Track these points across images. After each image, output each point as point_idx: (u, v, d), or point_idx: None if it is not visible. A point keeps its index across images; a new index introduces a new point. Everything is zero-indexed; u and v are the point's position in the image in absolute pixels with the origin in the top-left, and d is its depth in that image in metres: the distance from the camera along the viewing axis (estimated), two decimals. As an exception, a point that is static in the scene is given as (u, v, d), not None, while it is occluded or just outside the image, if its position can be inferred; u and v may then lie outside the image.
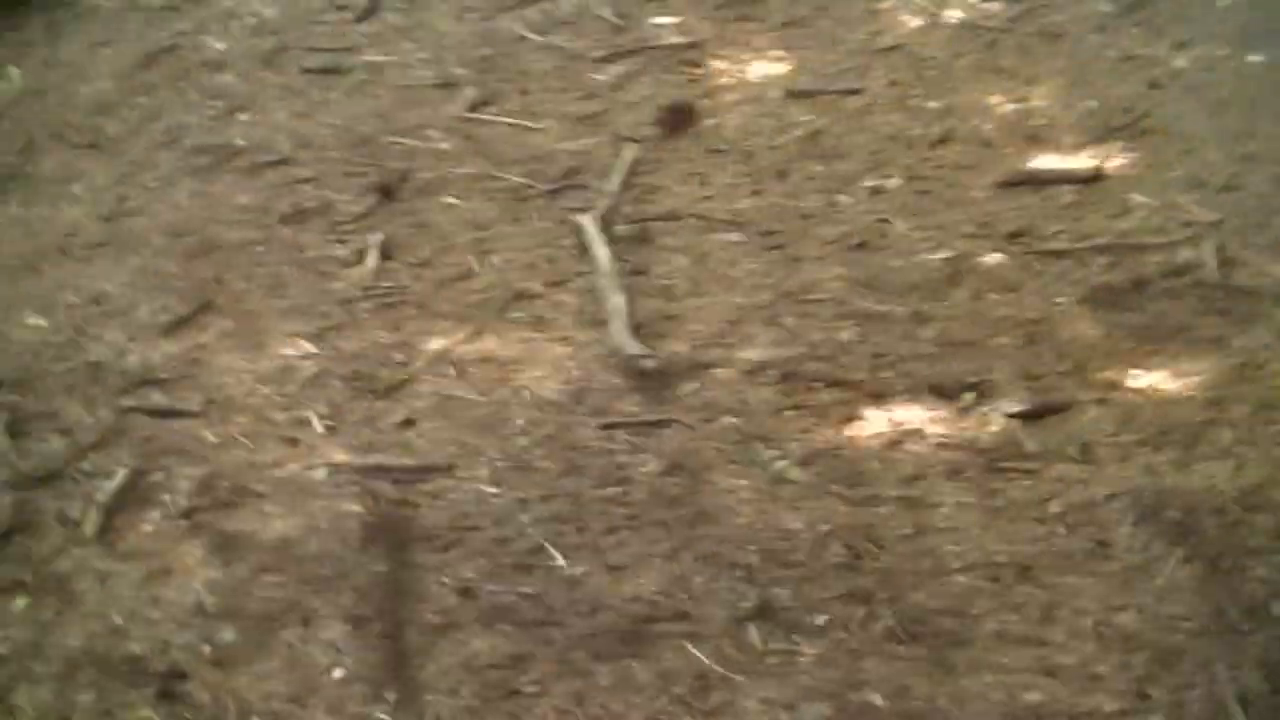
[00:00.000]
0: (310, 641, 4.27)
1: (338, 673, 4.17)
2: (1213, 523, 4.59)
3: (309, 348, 5.64)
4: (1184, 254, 5.96)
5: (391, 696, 4.08)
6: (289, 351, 5.62)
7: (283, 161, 7.03)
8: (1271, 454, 4.87)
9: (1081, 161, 6.64)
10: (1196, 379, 5.27)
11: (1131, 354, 5.42)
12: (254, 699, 4.08)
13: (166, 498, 4.85)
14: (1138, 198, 6.32)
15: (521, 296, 5.88)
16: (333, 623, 4.32)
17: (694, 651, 4.16)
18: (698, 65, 7.73)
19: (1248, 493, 4.71)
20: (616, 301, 5.64)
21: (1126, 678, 4.07)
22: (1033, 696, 4.02)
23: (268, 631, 4.31)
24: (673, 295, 5.82)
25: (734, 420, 5.09)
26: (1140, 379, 5.28)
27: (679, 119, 7.13)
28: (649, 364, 5.31)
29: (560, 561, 4.50)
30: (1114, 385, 5.26)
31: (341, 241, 6.40)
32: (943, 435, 5.00)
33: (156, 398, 5.39)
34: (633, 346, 5.37)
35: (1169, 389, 5.22)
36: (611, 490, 4.79)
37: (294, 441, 5.11)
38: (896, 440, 4.99)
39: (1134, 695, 4.03)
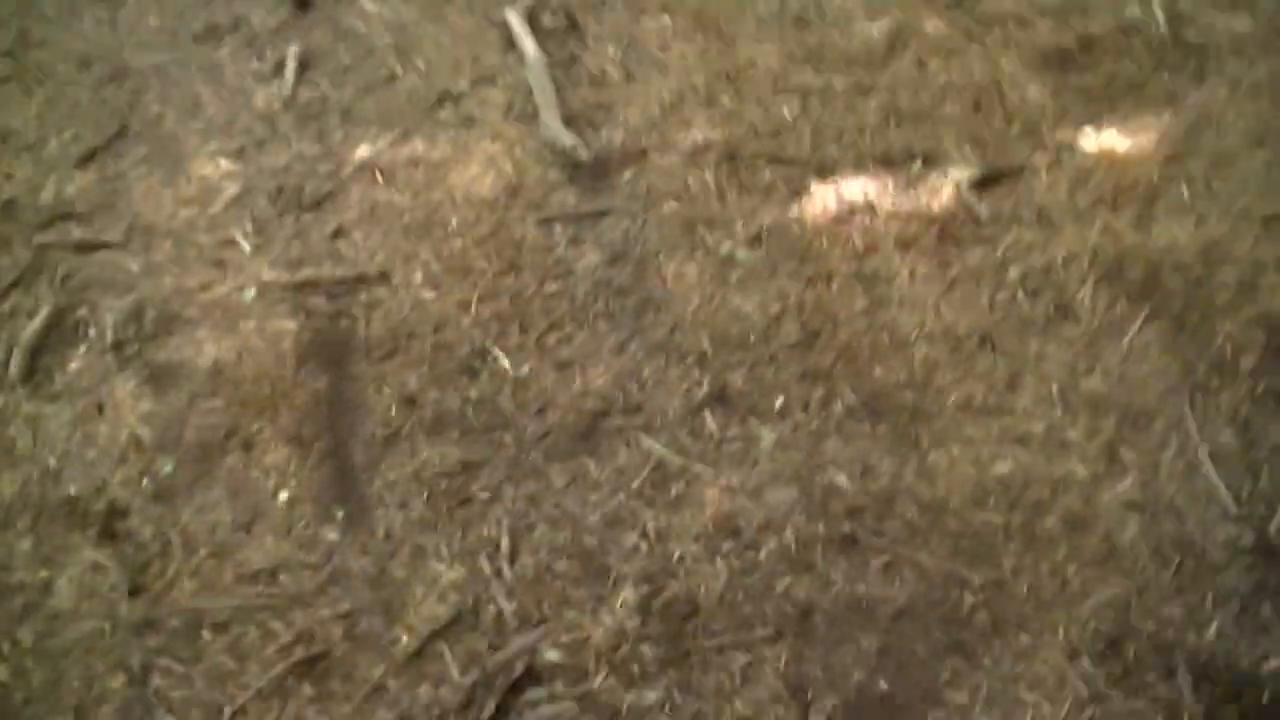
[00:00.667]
0: (253, 466, 4.11)
1: (283, 496, 4.02)
2: (1176, 280, 4.48)
3: (231, 166, 5.40)
4: (1131, 11, 5.76)
5: (340, 514, 3.94)
6: (210, 172, 5.38)
7: (191, -23, 6.71)
8: (1232, 208, 4.76)
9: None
10: (1151, 137, 5.12)
11: (1083, 115, 5.26)
12: (199, 531, 3.93)
13: (93, 333, 4.64)
14: (1079, -46, 6.09)
15: (448, 97, 5.64)
16: (275, 445, 4.16)
17: (649, 444, 4.03)
18: None
19: (1210, 248, 4.60)
20: (547, 94, 5.42)
21: (1097, 442, 3.98)
22: (1002, 467, 3.92)
23: (208, 460, 4.14)
24: (605, 84, 5.59)
25: (676, 205, 4.91)
26: (1093, 140, 5.13)
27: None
28: (584, 154, 5.10)
29: (505, 363, 4.33)
30: (1067, 148, 5.11)
31: (259, 56, 6.12)
32: (893, 207, 4.83)
33: (75, 231, 5.15)
34: (566, 138, 5.16)
35: (1123, 149, 5.08)
36: (553, 286, 4.62)
37: (221, 263, 4.90)
38: (846, 215, 4.81)
39: (1105, 459, 3.93)
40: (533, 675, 3.47)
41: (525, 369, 4.32)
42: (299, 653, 3.58)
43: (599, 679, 3.45)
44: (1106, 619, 3.52)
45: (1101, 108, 5.29)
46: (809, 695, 3.38)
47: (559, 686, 3.45)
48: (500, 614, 3.62)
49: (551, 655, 3.51)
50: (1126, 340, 4.28)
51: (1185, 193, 4.85)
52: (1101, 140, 5.13)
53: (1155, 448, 3.94)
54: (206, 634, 3.65)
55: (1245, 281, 4.47)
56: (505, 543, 3.80)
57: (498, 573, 3.72)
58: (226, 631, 3.66)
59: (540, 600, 3.65)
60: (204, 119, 5.72)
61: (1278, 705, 3.33)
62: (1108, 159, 5.02)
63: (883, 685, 3.40)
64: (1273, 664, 3.42)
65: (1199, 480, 3.85)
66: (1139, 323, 4.34)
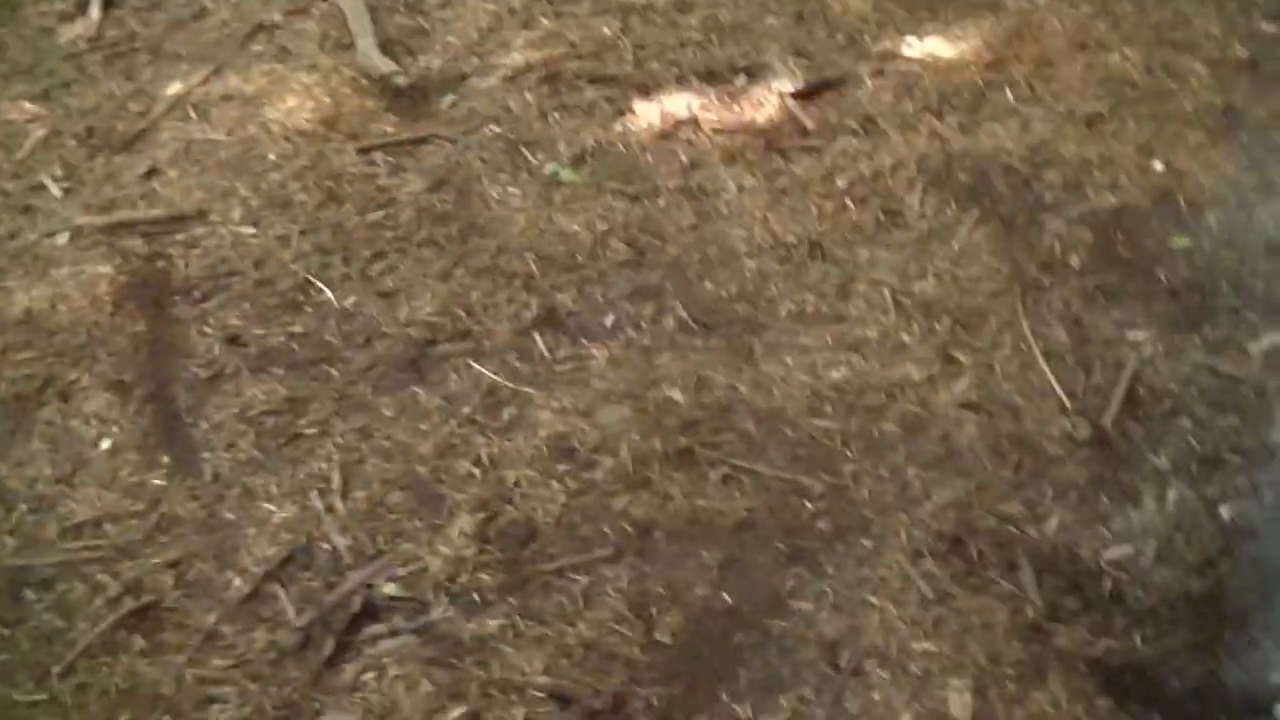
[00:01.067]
0: (72, 416, 3.95)
1: (105, 444, 3.87)
2: (1004, 182, 4.50)
3: (37, 109, 5.19)
4: (949, -83, 5.75)
5: (165, 460, 3.81)
6: (15, 116, 5.16)
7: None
8: (1056, 110, 4.79)
9: None
10: (975, 43, 5.12)
11: (906, 23, 5.26)
12: (18, 486, 3.77)
13: (-105, 291, 4.43)
14: None
15: (261, 29, 5.47)
16: (94, 393, 4.01)
17: (479, 369, 3.95)
18: None
19: (1036, 149, 4.63)
20: (362, 21, 5.28)
21: (931, 345, 3.98)
22: (837, 374, 3.89)
23: (24, 413, 3.98)
24: (421, 9, 5.46)
25: (498, 129, 4.81)
26: (917, 47, 5.12)
27: None
28: (402, 81, 4.98)
29: (329, 295, 4.22)
30: (891, 56, 5.09)
31: (60, -6, 5.91)
32: (718, 121, 4.78)
33: None
34: (384, 65, 5.04)
35: (948, 55, 5.07)
36: (376, 215, 4.50)
37: (30, 209, 4.71)
38: (670, 131, 4.76)
39: (940, 361, 3.93)
40: (371, 611, 3.38)
41: (350, 301, 4.21)
42: (128, 605, 3.45)
43: (438, 610, 3.37)
44: (947, 519, 3.51)
45: (924, 15, 5.29)
46: (652, 613, 3.34)
47: (398, 620, 3.36)
48: (334, 551, 3.53)
49: (389, 589, 3.43)
50: (956, 243, 4.28)
51: (1010, 96, 4.86)
52: (925, 47, 5.12)
53: (989, 347, 3.95)
54: (30, 593, 3.51)
55: (1071, 181, 4.51)
56: (336, 478, 3.70)
57: (330, 509, 3.62)
58: (51, 589, 3.52)
59: (375, 534, 3.56)
60: (6, 62, 5.50)
61: (1118, 594, 3.36)
62: (932, 65, 5.02)
63: (726, 598, 3.36)
64: (1112, 553, 3.44)
65: (1033, 377, 3.86)
66: (968, 225, 4.34)
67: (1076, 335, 3.98)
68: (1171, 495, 3.56)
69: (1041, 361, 3.90)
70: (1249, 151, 4.60)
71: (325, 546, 3.54)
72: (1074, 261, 4.22)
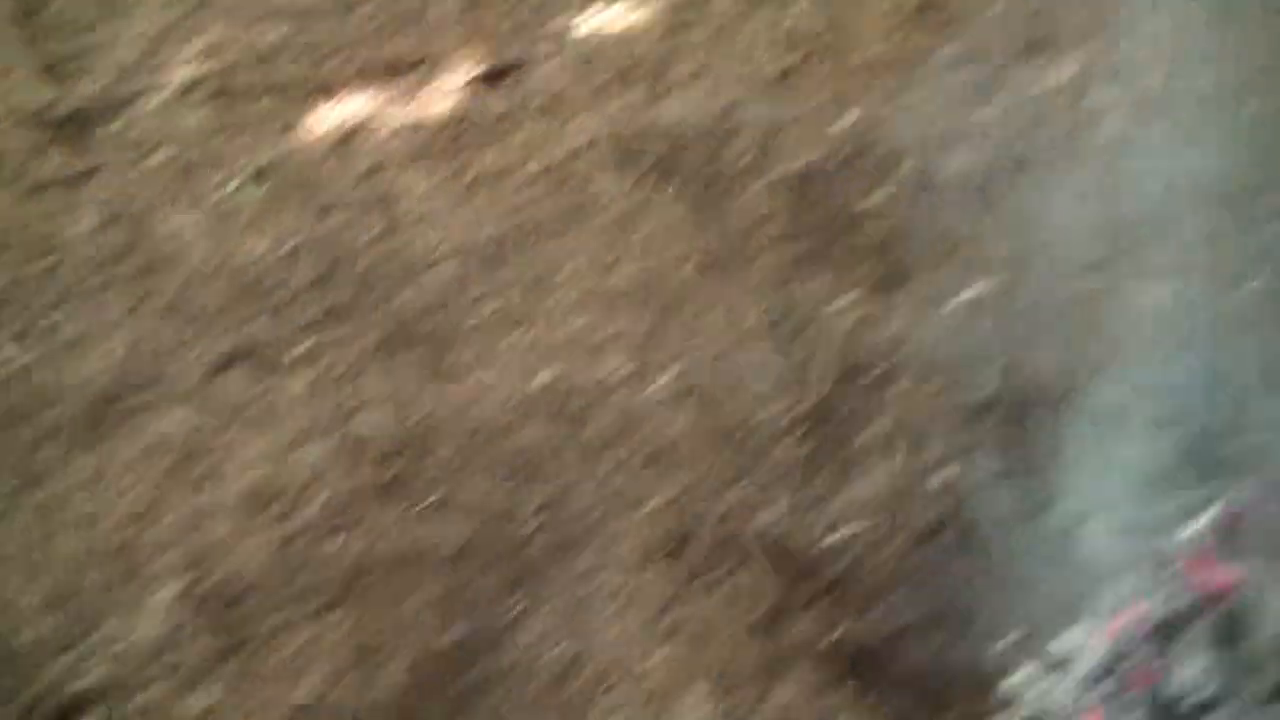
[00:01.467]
0: None
1: None
2: (696, 153, 4.45)
3: None
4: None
5: None
6: None
7: None
8: (740, 74, 4.73)
9: None
10: (648, 12, 5.02)
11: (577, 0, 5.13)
12: None
13: None
14: None
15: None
16: None
17: (170, 419, 3.76)
18: None
19: (724, 115, 4.57)
20: (12, 48, 4.99)
21: (637, 334, 3.91)
22: (542, 379, 3.80)
23: None
24: (78, 26, 5.17)
25: (170, 152, 4.58)
26: (592, 22, 5.01)
27: None
28: (61, 110, 4.72)
29: (6, 354, 3.97)
30: (566, 33, 4.97)
31: None
32: (397, 120, 4.64)
33: None
34: (38, 95, 4.76)
35: (624, 26, 4.98)
36: (45, 261, 4.24)
37: None
38: (348, 135, 4.59)
39: (645, 353, 3.86)
40: (77, 705, 3.19)
41: (27, 358, 3.96)
42: None
43: (152, 689, 3.20)
44: (669, 519, 3.46)
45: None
46: (376, 662, 3.22)
47: (108, 708, 3.18)
48: (30, 642, 3.31)
49: (96, 675, 3.24)
50: (650, 224, 4.22)
51: (692, 63, 4.79)
52: (600, 22, 5.02)
53: (693, 333, 3.89)
54: None
55: (762, 145, 4.46)
56: (24, 561, 3.48)
57: (19, 598, 3.40)
58: None
59: (72, 619, 3.35)
60: None
61: (850, 575, 3.33)
62: (610, 40, 4.93)
63: (450, 637, 3.26)
64: (839, 533, 3.41)
65: (740, 358, 3.82)
66: (661, 203, 4.28)
67: (782, 308, 3.94)
68: (890, 466, 3.55)
69: (750, 339, 3.86)
70: (940, 93, 4.61)
71: (20, 639, 3.31)
72: (775, 228, 4.18)
